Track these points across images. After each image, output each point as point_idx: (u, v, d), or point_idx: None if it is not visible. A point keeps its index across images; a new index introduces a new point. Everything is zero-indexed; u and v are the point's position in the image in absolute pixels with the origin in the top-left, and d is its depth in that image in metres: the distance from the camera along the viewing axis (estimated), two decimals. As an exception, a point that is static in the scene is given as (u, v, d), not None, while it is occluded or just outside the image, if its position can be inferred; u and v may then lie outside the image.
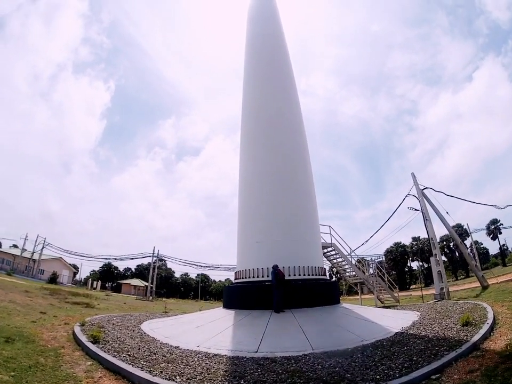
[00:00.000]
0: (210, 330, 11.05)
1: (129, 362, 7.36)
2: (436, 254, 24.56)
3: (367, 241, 35.57)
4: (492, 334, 8.52)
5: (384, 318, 12.76)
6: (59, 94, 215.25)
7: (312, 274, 15.02)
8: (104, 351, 8.15)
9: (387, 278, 25.53)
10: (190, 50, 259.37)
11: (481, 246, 79.40)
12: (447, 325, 10.02)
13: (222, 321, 12.43)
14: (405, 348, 7.92)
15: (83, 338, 9.23)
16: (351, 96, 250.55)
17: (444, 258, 75.69)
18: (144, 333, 11.10)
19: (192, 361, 7.55)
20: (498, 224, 77.33)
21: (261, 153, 17.35)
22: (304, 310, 12.83)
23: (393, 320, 12.38)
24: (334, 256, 22.60)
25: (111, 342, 9.14)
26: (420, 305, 17.80)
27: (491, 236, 78.81)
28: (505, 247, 77.99)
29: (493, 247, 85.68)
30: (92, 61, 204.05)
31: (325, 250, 20.87)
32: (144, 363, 7.31)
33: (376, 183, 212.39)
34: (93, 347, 8.48)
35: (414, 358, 6.97)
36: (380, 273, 25.38)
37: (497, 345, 7.45)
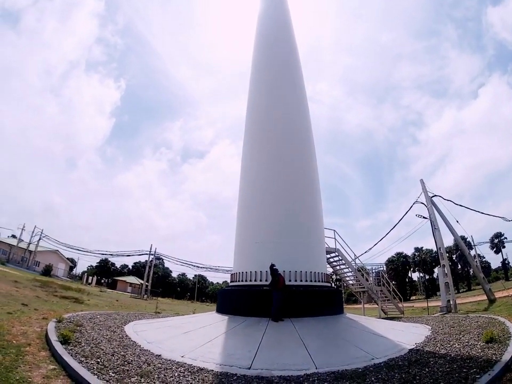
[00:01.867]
0: (199, 338, 9.84)
1: (96, 371, 6.14)
2: (443, 265, 23.57)
3: (371, 248, 34.44)
4: (519, 352, 7.45)
5: (394, 332, 11.55)
6: (70, 90, 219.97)
7: (315, 281, 13.85)
8: (71, 355, 6.98)
9: (392, 287, 24.34)
10: (201, 53, 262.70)
11: (483, 259, 78.54)
12: (467, 342, 8.88)
13: (213, 328, 11.21)
14: (426, 369, 6.71)
15: (53, 337, 8.10)
16: (357, 104, 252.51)
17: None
18: (126, 336, 9.88)
19: (171, 377, 6.28)
20: (502, 238, 76.40)
21: (265, 151, 16.31)
22: (305, 320, 11.61)
23: (404, 334, 11.18)
24: (337, 262, 21.37)
25: (83, 344, 7.97)
26: (427, 318, 16.72)
27: (494, 249, 77.80)
28: (507, 262, 77.29)
29: (494, 261, 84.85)
30: (105, 60, 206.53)
31: (328, 256, 19.59)
32: (113, 375, 6.07)
33: (377, 193, 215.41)
34: (60, 348, 7.33)
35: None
36: (385, 283, 24.06)
37: (530, 364, 6.36)
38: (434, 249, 77.72)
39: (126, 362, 6.92)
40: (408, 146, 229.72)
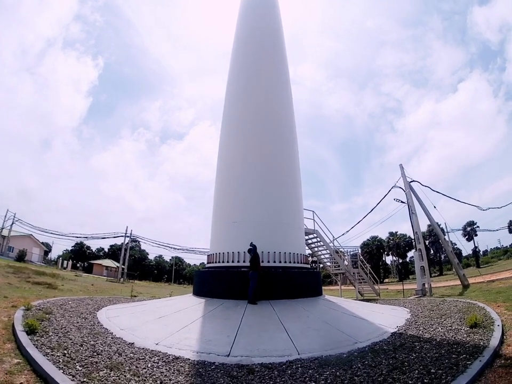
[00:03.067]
0: (175, 323, 9.31)
1: (62, 365, 5.46)
2: (419, 249, 23.59)
3: (349, 230, 34.33)
4: (504, 337, 7.34)
5: (373, 314, 11.40)
6: (46, 68, 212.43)
7: (294, 262, 13.52)
8: (37, 347, 6.29)
9: (369, 270, 24.40)
10: (182, 30, 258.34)
11: (455, 246, 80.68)
12: (450, 326, 8.74)
13: (190, 312, 10.68)
14: (414, 354, 6.42)
15: (19, 327, 7.37)
16: (338, 89, 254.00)
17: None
18: (98, 323, 9.25)
19: (144, 369, 5.69)
20: (474, 226, 79.25)
21: (245, 129, 15.73)
22: (284, 302, 11.32)
23: (384, 317, 11.04)
24: (315, 244, 21.12)
25: (50, 334, 7.27)
26: (403, 301, 16.77)
27: (467, 237, 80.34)
28: (478, 249, 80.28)
29: (464, 249, 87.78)
30: (83, 38, 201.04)
31: (307, 237, 19.28)
32: (80, 368, 5.41)
33: (354, 178, 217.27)
34: (25, 340, 6.63)
35: (432, 370, 5.47)
36: (362, 265, 24.08)
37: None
38: (408, 234, 78.45)
39: (95, 353, 6.28)
40: (386, 133, 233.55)
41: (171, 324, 9.30)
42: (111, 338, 7.75)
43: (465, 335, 7.65)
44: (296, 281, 12.93)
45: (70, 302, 12.10)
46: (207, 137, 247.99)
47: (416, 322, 9.87)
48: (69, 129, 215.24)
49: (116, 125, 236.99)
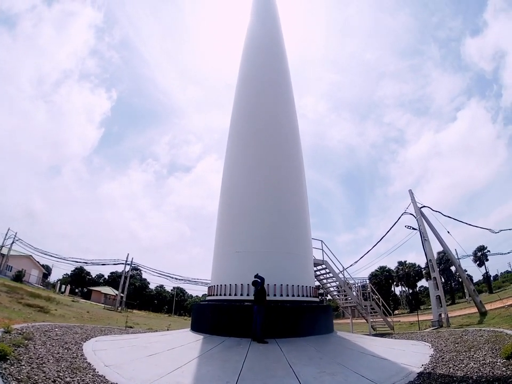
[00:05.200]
0: (167, 363, 8.11)
1: None
2: (434, 277, 22.68)
3: (359, 260, 33.26)
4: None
5: (394, 352, 10.16)
6: (60, 98, 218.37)
7: (303, 295, 12.50)
8: (2, 376, 5.38)
9: (381, 302, 22.88)
10: (189, 63, 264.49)
11: (466, 272, 78.32)
12: (483, 360, 7.60)
13: (185, 350, 9.49)
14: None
15: None
16: (340, 120, 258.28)
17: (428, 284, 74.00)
18: (81, 355, 8.09)
19: None
20: (485, 251, 76.31)
21: (250, 155, 15.28)
22: (293, 341, 10.15)
23: (406, 354, 9.75)
24: (324, 275, 20.14)
25: (23, 363, 6.27)
26: (421, 334, 15.38)
27: (478, 262, 76.97)
28: (488, 274, 76.57)
29: (476, 274, 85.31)
30: (99, 73, 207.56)
31: (315, 268, 18.16)
32: None
33: (359, 208, 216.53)
34: None
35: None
36: (373, 297, 22.73)
37: None
38: (417, 263, 77.51)
39: (68, 393, 5.32)
40: (389, 163, 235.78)
41: (163, 363, 8.10)
42: (92, 375, 6.62)
43: (503, 369, 6.63)
44: (306, 317, 11.79)
45: (56, 329, 10.98)
46: (214, 171, 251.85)
47: (443, 358, 8.62)
48: (80, 157, 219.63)
49: (126, 155, 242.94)
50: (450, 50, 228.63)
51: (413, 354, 9.71)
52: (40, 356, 7.19)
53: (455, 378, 6.61)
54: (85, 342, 10.01)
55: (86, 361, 7.66)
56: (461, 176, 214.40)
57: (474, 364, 7.48)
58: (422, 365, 8.04)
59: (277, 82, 17.92)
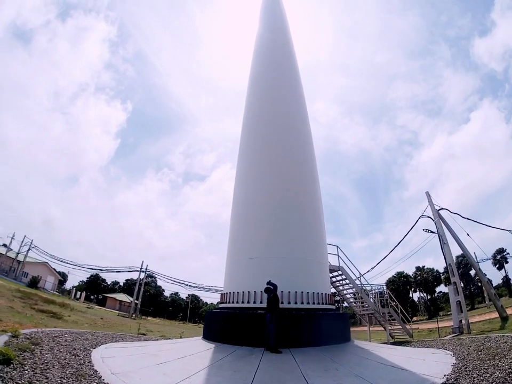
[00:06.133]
0: (175, 372, 7.74)
1: None
2: (454, 282, 22.13)
3: (377, 264, 32.73)
4: None
5: (413, 362, 9.60)
6: (77, 110, 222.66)
7: (318, 303, 12.06)
8: (3, 379, 5.20)
9: (400, 309, 22.20)
10: (201, 71, 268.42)
11: (485, 276, 76.29)
12: (509, 368, 7.15)
13: (196, 360, 9.16)
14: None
15: None
16: (353, 125, 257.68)
17: (447, 290, 73.17)
18: (88, 362, 7.84)
19: None
20: (504, 254, 73.66)
21: (262, 160, 15.04)
22: (307, 351, 9.73)
23: (427, 364, 9.23)
24: (340, 282, 19.66)
25: (26, 368, 6.09)
26: (441, 341, 14.70)
27: (497, 265, 74.75)
28: (508, 278, 74.51)
29: (495, 278, 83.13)
30: (114, 86, 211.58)
31: (330, 275, 17.76)
32: None
33: (374, 213, 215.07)
34: None
35: None
36: (392, 304, 22.12)
37: None
38: (436, 268, 76.04)
39: (69, 402, 5.04)
40: (404, 166, 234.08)
41: (171, 373, 7.74)
42: (97, 383, 6.40)
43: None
44: (321, 326, 11.34)
45: (66, 335, 10.80)
46: (228, 179, 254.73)
47: (466, 367, 8.06)
48: (97, 167, 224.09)
49: (141, 165, 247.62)
50: (461, 49, 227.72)
51: (434, 364, 9.19)
52: (46, 361, 6.99)
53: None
54: (94, 348, 9.81)
55: (93, 368, 7.40)
56: (476, 177, 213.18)
57: (500, 373, 7.03)
58: (444, 375, 7.55)
59: (288, 86, 17.70)
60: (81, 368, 7.21)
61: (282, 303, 10.98)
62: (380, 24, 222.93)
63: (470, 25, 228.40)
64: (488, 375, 7.03)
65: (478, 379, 6.91)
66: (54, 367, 6.68)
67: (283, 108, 16.37)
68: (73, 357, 8.10)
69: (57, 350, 8.29)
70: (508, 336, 11.45)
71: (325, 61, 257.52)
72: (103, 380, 6.66)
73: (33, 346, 7.91)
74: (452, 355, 10.19)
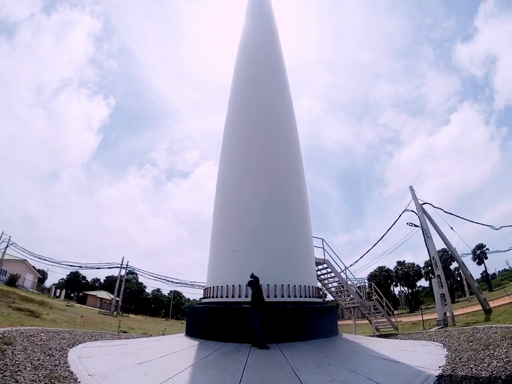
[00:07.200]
0: (157, 372, 7.23)
1: None
2: (438, 275, 22.37)
3: (360, 258, 32.53)
4: None
5: (406, 354, 9.41)
6: (60, 105, 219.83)
7: (306, 296, 11.73)
8: None
9: (385, 302, 22.24)
10: (185, 66, 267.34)
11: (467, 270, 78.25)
12: (506, 357, 6.99)
13: (179, 358, 8.66)
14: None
15: None
16: (336, 121, 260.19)
17: (427, 284, 75.58)
18: (64, 363, 7.28)
19: None
20: (484, 249, 76.67)
21: (247, 149, 14.70)
22: (296, 346, 9.39)
23: (419, 356, 9.05)
24: (326, 275, 19.40)
25: (-5, 371, 5.50)
26: (427, 333, 14.65)
27: (477, 260, 78.09)
28: (488, 272, 77.67)
29: (474, 273, 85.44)
30: (98, 81, 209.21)
31: (316, 268, 17.32)
32: None
33: (355, 209, 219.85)
34: None
35: None
36: (377, 297, 22.07)
37: None
38: (416, 263, 77.69)
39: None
40: (385, 164, 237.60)
41: (152, 373, 7.21)
42: (71, 386, 5.91)
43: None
44: (309, 319, 10.97)
45: (42, 334, 10.12)
46: (211, 176, 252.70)
47: (460, 358, 7.87)
48: (78, 163, 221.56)
49: (124, 161, 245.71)
50: (444, 51, 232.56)
51: (427, 355, 8.99)
52: (17, 362, 6.47)
53: (481, 380, 5.98)
54: (71, 348, 9.22)
55: (69, 370, 6.88)
56: (455, 177, 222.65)
57: (497, 362, 6.87)
58: (440, 367, 7.33)
59: (273, 81, 17.40)
60: (56, 369, 6.69)
61: (268, 296, 10.65)
62: (366, 23, 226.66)
63: (454, 27, 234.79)
64: (485, 364, 6.88)
65: (476, 369, 6.72)
66: (25, 369, 6.17)
67: (267, 101, 16.07)
68: (48, 357, 7.55)
69: (31, 350, 7.72)
70: (496, 327, 11.40)
71: (310, 58, 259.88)
72: (79, 382, 6.19)
73: (5, 346, 7.36)
74: (442, 346, 10.06)
